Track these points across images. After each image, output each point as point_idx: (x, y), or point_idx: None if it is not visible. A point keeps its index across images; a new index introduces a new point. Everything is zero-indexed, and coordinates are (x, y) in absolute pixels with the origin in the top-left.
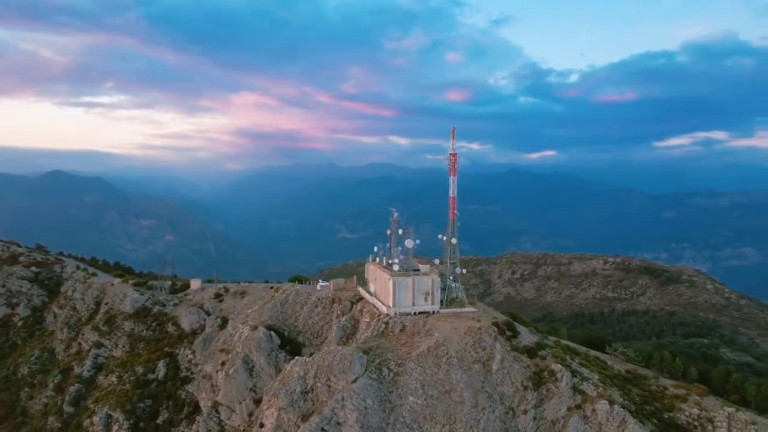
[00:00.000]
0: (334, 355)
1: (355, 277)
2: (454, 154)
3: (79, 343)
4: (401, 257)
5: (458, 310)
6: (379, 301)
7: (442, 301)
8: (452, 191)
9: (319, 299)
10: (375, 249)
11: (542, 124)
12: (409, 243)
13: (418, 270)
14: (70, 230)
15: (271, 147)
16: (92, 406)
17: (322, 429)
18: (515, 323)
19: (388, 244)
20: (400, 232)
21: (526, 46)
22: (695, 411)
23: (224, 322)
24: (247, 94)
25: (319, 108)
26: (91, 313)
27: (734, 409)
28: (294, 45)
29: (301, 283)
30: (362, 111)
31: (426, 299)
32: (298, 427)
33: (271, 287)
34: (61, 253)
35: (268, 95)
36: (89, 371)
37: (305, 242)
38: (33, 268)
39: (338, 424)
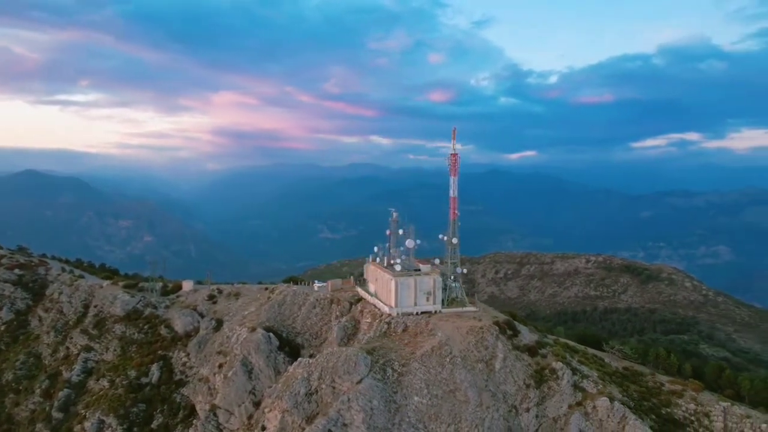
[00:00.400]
0: (338, 356)
1: (351, 277)
2: (455, 155)
3: (67, 347)
4: (402, 257)
5: (460, 309)
6: (381, 301)
7: (443, 301)
8: (453, 191)
9: (317, 300)
10: (375, 249)
11: (523, 125)
12: (409, 243)
13: (419, 270)
14: (45, 231)
15: (252, 146)
16: (83, 411)
17: (329, 431)
18: (515, 322)
19: (387, 244)
20: (400, 232)
21: (506, 47)
22: (692, 406)
23: (219, 324)
24: (228, 93)
25: (300, 107)
26: (79, 317)
27: (729, 403)
28: (275, 44)
29: (297, 283)
30: (344, 111)
31: (428, 299)
32: (303, 429)
33: (266, 288)
34: (44, 255)
35: (248, 94)
36: (78, 376)
37: (286, 242)
38: (16, 271)
39: (344, 425)
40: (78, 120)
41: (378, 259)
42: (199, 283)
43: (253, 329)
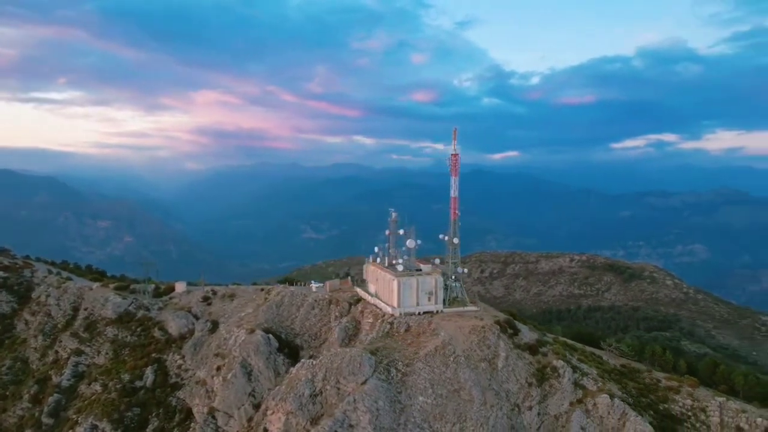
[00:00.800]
0: (342, 357)
1: (349, 277)
2: (455, 155)
3: (56, 351)
4: (404, 257)
5: (461, 309)
6: (382, 301)
7: (444, 301)
8: (453, 191)
9: (315, 301)
10: (375, 249)
11: (505, 125)
12: (410, 243)
13: (420, 270)
14: (20, 232)
15: (234, 146)
16: (74, 416)
17: None
18: (515, 321)
19: (386, 244)
20: (401, 232)
21: (489, 48)
22: (688, 402)
23: (214, 325)
24: (209, 92)
25: (283, 107)
26: (68, 319)
27: (725, 398)
28: (258, 43)
29: (292, 284)
30: (327, 110)
31: (429, 299)
32: (308, 431)
33: (262, 289)
34: (28, 257)
35: (230, 93)
36: (69, 380)
37: (270, 243)
38: (0, 273)
39: (351, 426)
40: (54, 118)
41: (378, 260)
42: (191, 284)
43: (252, 331)
